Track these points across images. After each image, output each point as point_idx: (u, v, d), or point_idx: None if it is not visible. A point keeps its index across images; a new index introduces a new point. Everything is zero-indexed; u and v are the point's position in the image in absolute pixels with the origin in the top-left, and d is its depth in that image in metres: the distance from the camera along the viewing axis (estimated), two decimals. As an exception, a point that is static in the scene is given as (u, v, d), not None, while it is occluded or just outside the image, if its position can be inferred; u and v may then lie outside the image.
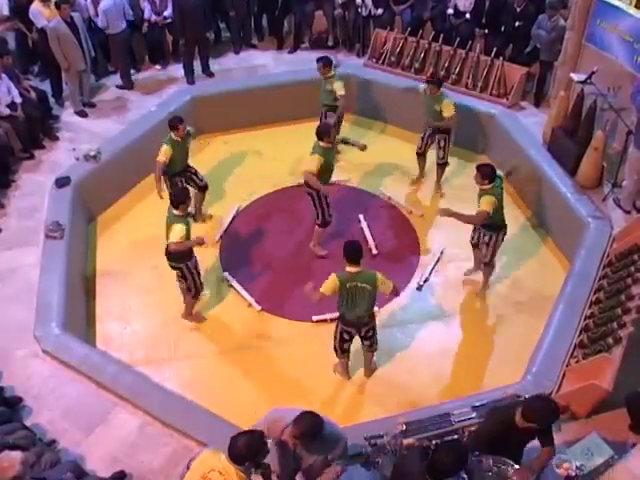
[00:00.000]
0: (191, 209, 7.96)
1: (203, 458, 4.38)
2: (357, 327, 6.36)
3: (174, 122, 7.80)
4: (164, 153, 7.71)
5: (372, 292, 6.04)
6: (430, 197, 9.23)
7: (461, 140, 9.66)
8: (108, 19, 10.03)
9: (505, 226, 7.21)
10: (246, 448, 4.17)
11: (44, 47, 9.64)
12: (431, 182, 9.39)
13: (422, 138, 9.08)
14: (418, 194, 9.33)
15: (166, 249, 6.74)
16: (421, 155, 9.27)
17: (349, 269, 5.96)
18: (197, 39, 10.62)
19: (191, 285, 7.13)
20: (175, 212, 6.67)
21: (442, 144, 8.85)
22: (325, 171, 7.63)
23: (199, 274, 7.18)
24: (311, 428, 4.39)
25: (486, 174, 6.86)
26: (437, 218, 8.81)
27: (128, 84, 10.66)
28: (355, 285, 5.97)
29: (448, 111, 8.46)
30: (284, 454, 4.55)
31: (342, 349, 6.57)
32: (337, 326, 6.45)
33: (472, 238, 7.55)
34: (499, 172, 7.18)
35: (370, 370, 6.96)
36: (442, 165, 9.11)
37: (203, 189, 8.53)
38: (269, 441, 4.40)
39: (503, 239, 7.27)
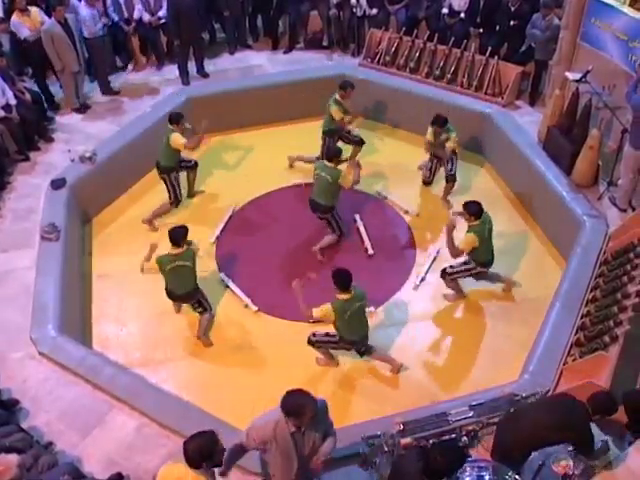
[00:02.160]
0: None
1: (165, 471, 4.38)
2: (358, 346, 6.58)
3: (175, 117, 8.32)
4: (178, 137, 8.27)
5: (364, 305, 6.29)
6: (427, 197, 9.22)
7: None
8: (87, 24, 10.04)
9: (489, 263, 7.27)
10: (198, 451, 4.16)
11: (32, 54, 9.75)
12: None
13: (428, 169, 9.14)
14: (414, 194, 9.32)
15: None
16: (429, 184, 9.32)
17: (342, 296, 6.10)
18: (192, 40, 10.61)
19: (205, 306, 7.23)
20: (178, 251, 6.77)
21: (451, 166, 8.83)
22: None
23: (205, 297, 7.26)
24: (315, 403, 4.38)
25: (473, 211, 6.98)
26: (433, 218, 8.84)
27: (106, 90, 10.56)
28: (357, 307, 6.16)
29: (452, 143, 8.51)
30: (297, 444, 4.52)
31: (330, 353, 6.74)
32: (337, 342, 6.57)
33: None
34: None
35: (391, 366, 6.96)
36: (451, 178, 8.87)
37: (193, 167, 8.97)
38: (272, 446, 4.42)
39: (479, 274, 7.35)
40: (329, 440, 4.70)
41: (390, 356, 6.96)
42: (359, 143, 9.32)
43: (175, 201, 8.71)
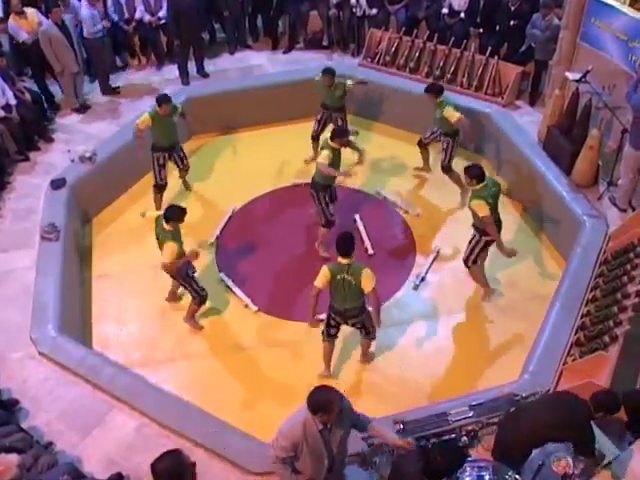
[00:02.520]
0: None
1: None
2: (343, 318, 6.41)
3: (160, 99, 8.13)
4: (142, 119, 8.15)
5: (357, 287, 6.02)
6: (427, 197, 9.21)
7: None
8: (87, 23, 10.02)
9: (498, 226, 7.12)
10: (166, 473, 4.05)
11: (31, 55, 9.74)
12: (429, 182, 9.39)
13: (432, 132, 9.00)
14: (414, 194, 9.32)
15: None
16: (423, 146, 9.25)
17: (340, 260, 6.01)
18: (192, 40, 10.61)
19: (192, 293, 7.15)
20: (165, 226, 6.63)
21: (445, 146, 8.76)
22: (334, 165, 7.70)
23: (195, 281, 7.15)
24: (342, 399, 4.39)
25: (474, 175, 6.84)
26: (433, 217, 8.84)
27: (106, 90, 10.52)
28: (343, 278, 6.01)
29: (452, 117, 8.35)
30: (326, 442, 4.51)
31: (328, 333, 6.61)
32: (327, 310, 6.48)
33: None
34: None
35: (365, 357, 6.99)
36: (445, 169, 8.89)
37: (184, 170, 8.91)
38: (303, 447, 4.41)
39: (487, 244, 7.20)
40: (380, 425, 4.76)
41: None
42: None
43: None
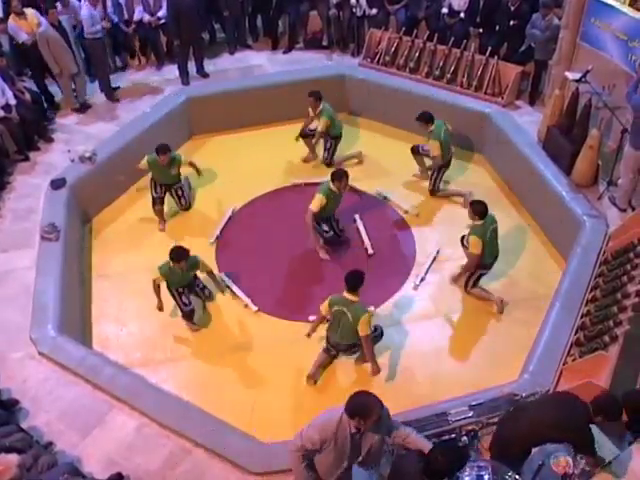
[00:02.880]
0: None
1: None
2: (336, 350, 6.67)
3: (158, 149, 8.17)
4: (142, 163, 8.32)
5: (351, 325, 6.18)
6: (426, 197, 9.21)
7: (456, 139, 9.68)
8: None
9: (488, 266, 7.37)
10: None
11: (31, 56, 9.72)
12: (427, 182, 9.39)
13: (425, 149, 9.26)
14: (414, 194, 9.32)
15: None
16: (416, 152, 9.38)
17: (345, 295, 6.21)
18: (192, 40, 10.61)
19: (179, 306, 7.27)
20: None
21: (431, 174, 9.10)
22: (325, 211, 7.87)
23: (181, 295, 7.23)
24: (382, 407, 4.38)
25: (477, 211, 7.05)
26: (433, 217, 8.84)
27: (110, 95, 10.42)
28: (342, 311, 6.19)
29: (433, 150, 8.66)
30: (353, 446, 4.53)
31: (327, 349, 6.75)
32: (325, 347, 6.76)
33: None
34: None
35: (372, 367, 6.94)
36: (432, 193, 9.16)
37: (182, 208, 8.95)
38: (330, 446, 4.43)
39: (479, 277, 7.47)
40: (413, 434, 4.70)
41: None
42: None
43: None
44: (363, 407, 4.30)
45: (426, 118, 8.74)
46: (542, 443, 4.90)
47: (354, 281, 6.19)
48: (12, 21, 9.65)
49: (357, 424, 4.35)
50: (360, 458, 4.65)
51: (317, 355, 6.81)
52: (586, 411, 4.75)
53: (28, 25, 9.55)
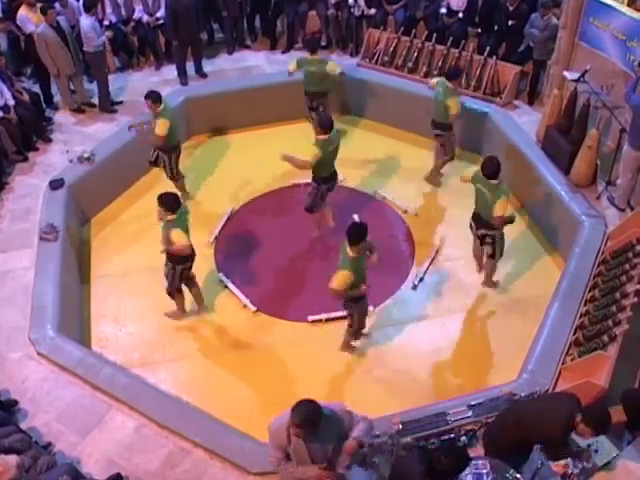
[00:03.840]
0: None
1: None
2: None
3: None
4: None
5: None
6: (425, 197, 9.21)
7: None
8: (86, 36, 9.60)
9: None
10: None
11: (34, 51, 9.59)
12: (426, 182, 9.40)
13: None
14: (412, 194, 9.32)
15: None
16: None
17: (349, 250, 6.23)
18: (190, 40, 10.61)
19: (169, 284, 7.16)
20: (169, 218, 6.71)
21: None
22: (323, 165, 7.74)
23: (174, 279, 7.14)
24: (309, 414, 4.23)
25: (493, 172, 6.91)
26: (431, 217, 8.84)
27: (107, 108, 10.13)
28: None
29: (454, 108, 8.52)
30: (310, 450, 4.46)
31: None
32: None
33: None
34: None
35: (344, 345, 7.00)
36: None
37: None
38: (290, 450, 4.40)
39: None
40: (360, 424, 4.55)
41: None
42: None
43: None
44: (301, 417, 4.20)
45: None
46: (524, 438, 4.84)
47: (357, 234, 6.27)
48: (23, 11, 9.65)
49: (295, 432, 4.29)
50: (325, 461, 4.55)
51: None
52: (568, 414, 4.62)
53: (38, 18, 9.48)
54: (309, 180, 8.06)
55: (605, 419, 4.58)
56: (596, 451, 5.19)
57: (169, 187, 8.85)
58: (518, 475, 4.72)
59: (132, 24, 10.95)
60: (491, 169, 6.84)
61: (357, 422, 4.56)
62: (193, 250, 6.87)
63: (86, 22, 9.46)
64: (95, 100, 10.32)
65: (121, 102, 10.34)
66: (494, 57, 10.14)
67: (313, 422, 4.23)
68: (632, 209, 7.84)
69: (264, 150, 9.99)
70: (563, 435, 4.64)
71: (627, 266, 6.75)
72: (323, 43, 11.85)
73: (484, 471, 4.64)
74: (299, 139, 9.80)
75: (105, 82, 10.07)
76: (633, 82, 7.37)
